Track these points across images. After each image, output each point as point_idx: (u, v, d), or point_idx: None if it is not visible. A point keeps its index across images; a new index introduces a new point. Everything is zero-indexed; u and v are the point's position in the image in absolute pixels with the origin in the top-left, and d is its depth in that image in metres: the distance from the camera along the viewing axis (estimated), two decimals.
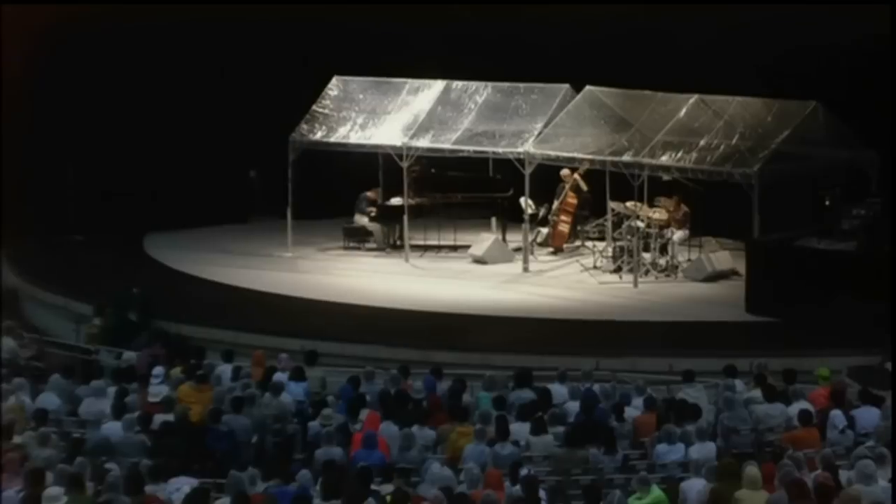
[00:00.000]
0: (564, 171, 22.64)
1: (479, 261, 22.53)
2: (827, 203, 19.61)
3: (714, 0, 21.63)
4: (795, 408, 13.66)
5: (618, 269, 21.42)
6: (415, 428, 13.34)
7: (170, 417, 13.80)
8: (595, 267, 21.83)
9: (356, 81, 23.44)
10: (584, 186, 22.76)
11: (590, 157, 21.22)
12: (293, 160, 22.82)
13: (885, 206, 18.58)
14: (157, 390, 14.68)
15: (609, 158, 20.84)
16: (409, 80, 23.12)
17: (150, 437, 13.32)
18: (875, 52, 19.70)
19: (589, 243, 23.01)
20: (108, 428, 13.47)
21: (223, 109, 24.68)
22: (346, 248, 23.72)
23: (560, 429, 13.36)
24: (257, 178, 26.58)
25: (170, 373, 15.38)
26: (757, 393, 14.25)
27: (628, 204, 21.50)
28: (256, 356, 16.21)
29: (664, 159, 20.26)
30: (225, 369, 15.67)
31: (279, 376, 15.12)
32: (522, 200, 22.22)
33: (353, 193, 23.80)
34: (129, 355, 16.77)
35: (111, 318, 18.88)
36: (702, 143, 20.13)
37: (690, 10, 21.75)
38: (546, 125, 21.67)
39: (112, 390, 14.59)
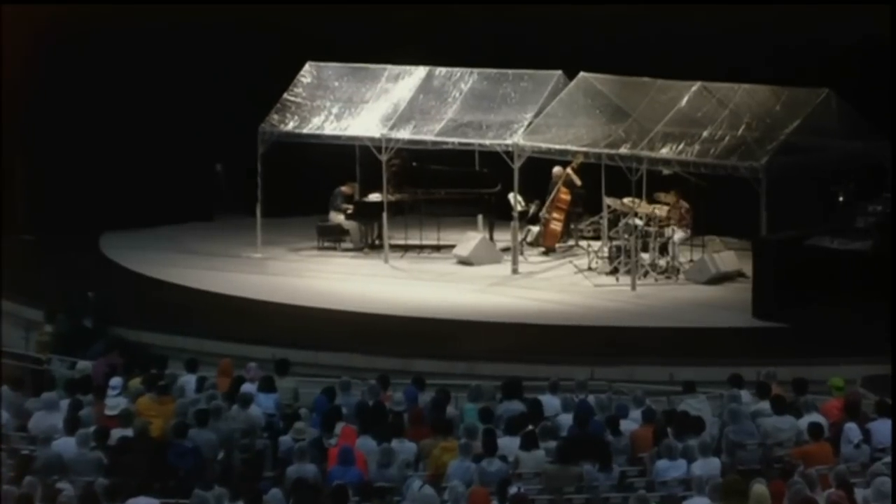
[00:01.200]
0: (556, 169, 22.63)
1: (464, 262, 22.52)
2: (840, 199, 19.66)
3: None
4: (806, 420, 13.68)
5: (614, 271, 21.43)
6: (394, 443, 13.33)
7: (128, 432, 13.75)
8: (590, 268, 21.84)
9: (331, 67, 23.41)
10: (577, 181, 22.76)
11: (584, 149, 21.24)
12: (263, 153, 22.78)
13: None
14: (115, 403, 14.61)
15: (605, 151, 20.86)
16: (389, 67, 23.10)
17: (107, 454, 13.26)
18: (892, 40, 19.75)
19: (583, 243, 23.02)
20: (61, 444, 13.41)
21: (186, 98, 24.62)
22: (320, 249, 23.69)
23: (552, 443, 13.35)
24: (223, 173, 26.53)
25: (128, 384, 15.31)
26: (765, 405, 14.26)
27: (625, 200, 21.52)
28: (223, 365, 16.17)
29: (664, 152, 20.28)
30: (188, 380, 15.63)
31: (247, 387, 15.09)
32: (511, 196, 22.22)
33: (327, 189, 23.77)
34: (84, 365, 16.71)
35: (64, 324, 18.79)
36: (705, 134, 20.16)
37: None
38: (537, 115, 21.67)
39: (65, 403, 14.52)
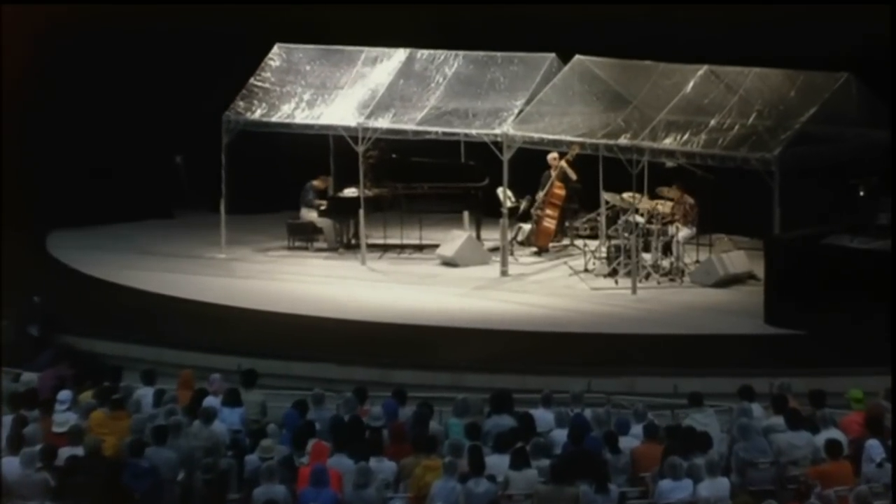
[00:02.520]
0: (551, 157, 22.66)
1: (448, 263, 22.52)
2: (861, 193, 19.67)
3: None
4: (824, 437, 13.68)
5: (613, 273, 21.44)
6: (372, 461, 13.31)
7: (78, 451, 13.70)
8: (586, 270, 21.85)
9: (302, 50, 23.40)
10: (572, 176, 22.77)
11: (580, 139, 21.24)
12: (227, 143, 22.77)
13: None
14: (63, 419, 14.57)
15: (603, 142, 20.86)
16: (366, 49, 23.11)
17: (55, 476, 13.21)
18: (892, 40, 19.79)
19: (579, 242, 23.03)
20: (4, 464, 13.35)
21: (142, 83, 24.58)
22: (290, 249, 23.69)
23: (545, 462, 13.34)
24: (184, 165, 26.50)
25: (78, 398, 15.28)
26: (778, 419, 14.26)
27: (625, 195, 21.53)
28: (183, 377, 16.14)
29: (668, 142, 20.29)
30: (145, 393, 15.58)
31: (210, 401, 15.06)
32: (500, 191, 22.22)
33: (298, 183, 23.76)
34: (30, 377, 16.65)
35: (8, 332, 18.74)
36: (712, 122, 20.17)
37: None
38: (528, 102, 21.69)
39: (8, 419, 14.46)
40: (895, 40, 19.27)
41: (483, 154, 22.14)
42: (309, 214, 23.69)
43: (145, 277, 21.90)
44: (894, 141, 18.96)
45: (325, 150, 23.52)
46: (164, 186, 26.12)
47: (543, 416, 14.64)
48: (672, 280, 21.31)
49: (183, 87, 24.44)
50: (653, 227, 21.41)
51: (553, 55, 22.07)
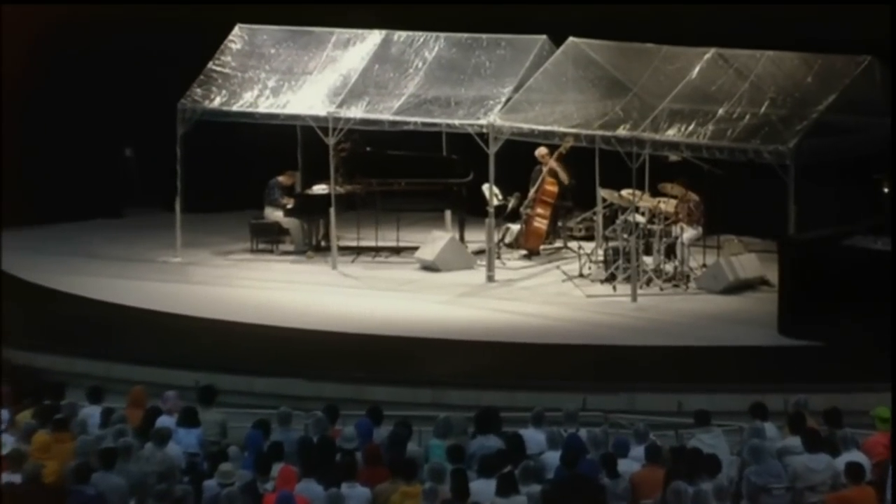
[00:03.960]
0: (541, 150, 22.68)
1: (429, 267, 22.54)
2: (885, 190, 19.70)
3: None
4: (845, 459, 13.70)
5: (611, 278, 21.47)
6: (344, 487, 13.30)
7: (17, 478, 13.66)
8: (581, 275, 21.88)
9: (266, 31, 23.42)
10: (564, 179, 22.78)
11: (574, 130, 21.26)
12: (183, 134, 22.75)
13: None
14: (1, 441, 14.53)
15: (599, 133, 20.89)
16: (337, 30, 23.12)
17: None
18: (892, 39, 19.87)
19: (573, 244, 23.05)
20: None
21: (88, 69, 24.54)
22: (253, 251, 23.69)
23: (535, 487, 13.34)
24: (134, 159, 26.46)
25: (17, 418, 15.25)
26: (794, 440, 14.28)
27: (624, 192, 21.56)
28: (134, 394, 16.11)
29: (671, 133, 20.33)
30: (92, 412, 15.55)
31: (164, 421, 15.03)
32: (486, 188, 22.24)
33: (262, 179, 23.75)
34: None
35: None
36: (720, 111, 20.22)
37: None
38: (517, 89, 21.72)
39: None
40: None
41: (467, 147, 22.14)
42: (274, 214, 23.67)
43: (91, 284, 21.86)
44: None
45: (291, 143, 23.52)
46: (112, 182, 26.07)
47: (534, 437, 14.64)
48: (676, 286, 21.35)
49: (133, 71, 24.40)
50: (654, 227, 21.44)
51: (544, 37, 22.10)
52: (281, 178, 23.72)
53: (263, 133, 22.91)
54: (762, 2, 21.86)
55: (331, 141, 22.34)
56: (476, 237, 22.98)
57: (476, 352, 18.97)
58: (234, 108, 22.85)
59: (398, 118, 22.12)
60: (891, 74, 19.60)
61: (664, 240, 21.53)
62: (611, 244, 21.76)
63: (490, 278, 21.92)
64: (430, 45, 22.59)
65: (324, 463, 13.88)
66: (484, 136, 21.58)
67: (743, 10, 21.81)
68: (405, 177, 23.25)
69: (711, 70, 20.58)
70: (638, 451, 14.16)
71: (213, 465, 14.06)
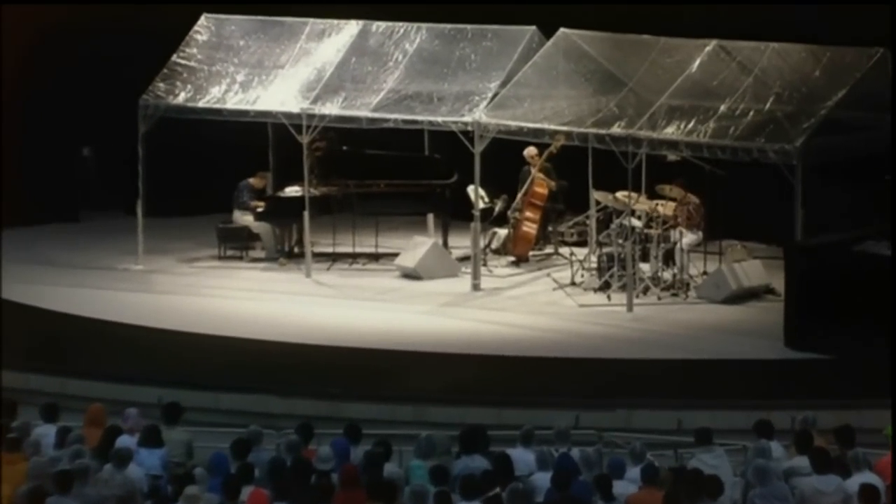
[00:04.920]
0: (530, 150, 22.69)
1: (410, 275, 22.54)
2: None
3: None
4: (856, 481, 13.70)
5: (605, 287, 21.48)
6: None
7: None
8: (573, 283, 21.88)
9: (235, 21, 23.42)
10: (551, 185, 22.80)
11: (565, 128, 21.27)
12: (145, 132, 22.73)
13: None
14: None
15: (593, 131, 20.91)
16: (311, 20, 23.12)
17: None
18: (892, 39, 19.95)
19: (564, 250, 23.05)
20: None
21: (42, 62, 24.47)
22: (220, 258, 23.69)
23: None
24: (93, 158, 26.42)
25: None
26: (802, 460, 14.29)
27: (619, 195, 21.58)
28: (92, 412, 16.07)
29: (669, 131, 20.35)
30: (46, 432, 15.51)
31: (125, 440, 14.99)
32: (471, 190, 22.24)
33: (230, 180, 23.73)
34: None
35: None
36: (722, 108, 20.25)
37: None
38: (504, 84, 21.72)
39: None
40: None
41: (451, 146, 22.17)
42: (243, 218, 23.66)
43: (46, 293, 21.83)
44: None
45: (262, 141, 23.53)
46: (69, 184, 26.03)
47: (523, 457, 14.64)
48: (675, 295, 21.37)
49: (91, 65, 24.34)
50: (652, 232, 21.45)
51: (534, 28, 22.12)
52: (252, 181, 23.70)
53: (232, 131, 22.90)
54: None
55: (304, 139, 22.33)
56: (460, 243, 22.99)
57: (461, 366, 18.97)
58: (200, 104, 22.82)
59: (377, 115, 22.11)
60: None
61: (662, 245, 21.55)
62: (605, 250, 21.77)
63: (475, 287, 21.93)
64: (411, 37, 22.59)
65: (297, 486, 13.86)
66: (469, 135, 21.59)
67: None
68: (384, 178, 23.25)
69: (713, 63, 20.61)
70: (634, 472, 14.16)
71: (178, 489, 14.03)
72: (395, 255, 23.04)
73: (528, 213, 23.00)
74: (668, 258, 21.69)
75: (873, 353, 17.96)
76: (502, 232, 23.37)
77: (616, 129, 20.67)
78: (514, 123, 21.45)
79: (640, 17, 21.52)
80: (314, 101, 22.40)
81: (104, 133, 25.04)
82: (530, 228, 23.08)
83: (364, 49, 22.74)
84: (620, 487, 13.88)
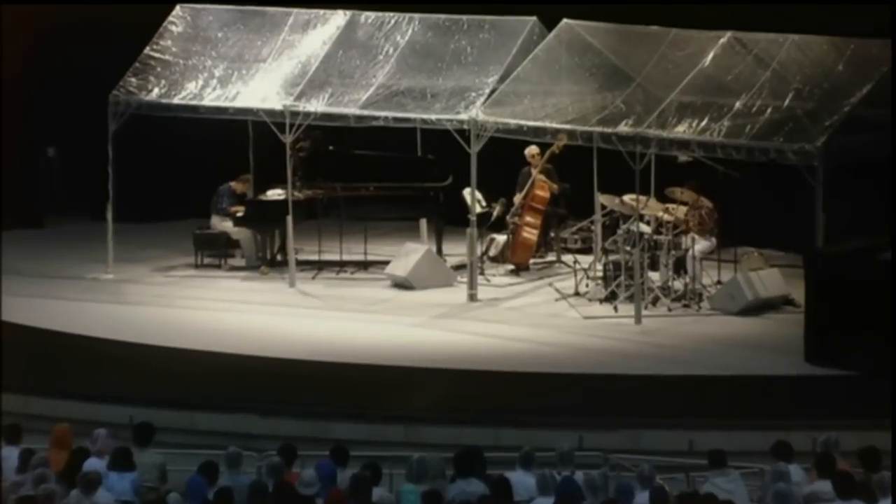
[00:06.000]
0: (531, 150, 22.72)
1: (402, 285, 22.56)
2: None
3: None
4: None
5: (611, 297, 21.50)
6: None
7: None
8: (577, 293, 21.91)
9: (212, 11, 23.46)
10: (553, 187, 22.82)
11: (568, 126, 21.30)
12: (115, 131, 22.74)
13: None
14: None
15: (598, 130, 20.94)
16: (294, 10, 23.15)
17: None
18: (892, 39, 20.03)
19: (567, 258, 23.07)
20: None
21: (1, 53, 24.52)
22: (197, 267, 23.72)
23: None
24: (58, 160, 26.43)
25: None
26: (824, 485, 14.31)
27: (626, 198, 21.60)
28: (58, 433, 16.06)
29: (680, 130, 20.38)
30: (8, 454, 15.51)
31: (93, 463, 15.00)
32: (467, 193, 22.26)
33: (208, 183, 23.75)
34: None
35: None
36: (738, 105, 20.28)
37: None
38: (502, 79, 21.75)
39: None
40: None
41: (445, 145, 22.18)
42: (222, 223, 23.67)
43: (8, 304, 21.77)
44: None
45: (242, 141, 23.53)
46: (32, 187, 26.03)
47: (522, 481, 14.65)
48: (686, 306, 21.38)
49: (57, 59, 24.36)
50: (662, 238, 21.48)
51: (534, 19, 22.16)
52: (233, 184, 23.70)
53: (209, 130, 22.92)
54: None
55: (288, 139, 22.34)
56: (456, 250, 23.02)
57: (456, 382, 18.98)
58: (175, 100, 22.86)
59: (366, 112, 22.15)
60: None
61: (672, 253, 21.57)
62: (611, 258, 21.80)
63: (472, 297, 21.95)
64: (403, 28, 22.63)
65: None
66: (465, 134, 21.61)
67: None
68: (374, 180, 23.29)
69: (727, 57, 20.64)
70: (643, 497, 14.18)
71: None
72: (386, 263, 23.06)
73: (528, 218, 23.02)
74: (679, 266, 21.71)
75: None
76: (501, 238, 23.39)
77: (623, 128, 20.70)
78: (513, 121, 21.48)
79: (649, 7, 21.57)
80: (298, 98, 22.43)
81: (70, 132, 25.06)
82: (531, 234, 23.10)
83: (352, 41, 22.77)
84: None
